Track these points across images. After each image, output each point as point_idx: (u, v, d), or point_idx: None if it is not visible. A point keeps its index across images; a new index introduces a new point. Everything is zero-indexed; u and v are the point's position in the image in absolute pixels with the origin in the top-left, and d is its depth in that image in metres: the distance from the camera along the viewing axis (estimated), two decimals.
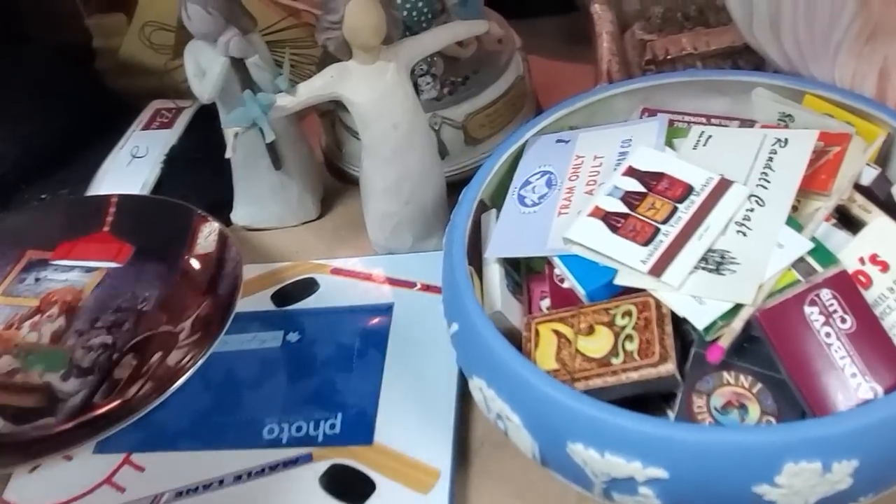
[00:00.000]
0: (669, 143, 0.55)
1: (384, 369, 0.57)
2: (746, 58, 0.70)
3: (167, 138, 0.72)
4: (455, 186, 0.66)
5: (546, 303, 0.52)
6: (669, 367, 0.44)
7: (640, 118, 0.59)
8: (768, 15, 0.62)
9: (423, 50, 0.58)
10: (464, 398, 0.56)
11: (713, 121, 0.58)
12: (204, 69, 0.61)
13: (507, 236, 0.53)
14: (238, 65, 0.60)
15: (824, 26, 0.61)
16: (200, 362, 0.54)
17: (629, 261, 0.47)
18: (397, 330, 0.59)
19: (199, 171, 0.68)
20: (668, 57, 0.71)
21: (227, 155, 0.58)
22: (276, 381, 0.59)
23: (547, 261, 0.52)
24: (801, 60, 0.62)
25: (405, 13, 0.63)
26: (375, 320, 0.61)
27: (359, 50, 0.55)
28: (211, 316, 0.58)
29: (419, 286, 0.62)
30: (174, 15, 0.76)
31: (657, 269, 0.47)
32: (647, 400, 0.46)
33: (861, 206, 0.49)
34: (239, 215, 0.70)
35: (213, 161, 0.65)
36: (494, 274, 0.52)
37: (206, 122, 0.72)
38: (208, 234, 0.62)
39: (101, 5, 0.85)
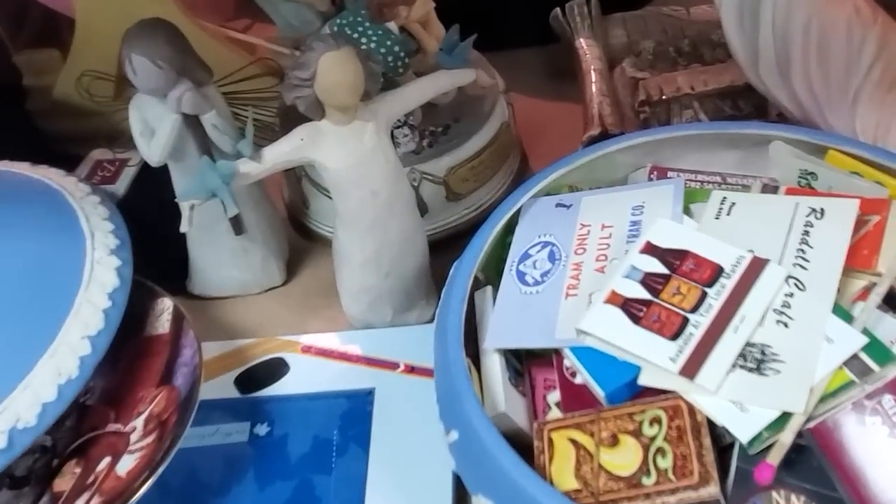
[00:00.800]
0: (686, 210, 0.49)
1: (368, 468, 0.50)
2: (748, 98, 0.65)
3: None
4: (435, 246, 0.59)
5: (554, 396, 0.46)
6: (712, 491, 0.38)
7: (649, 178, 0.53)
8: (776, 58, 0.57)
9: (404, 106, 0.52)
10: (463, 502, 0.49)
11: (729, 179, 0.52)
12: (152, 128, 0.53)
13: (508, 323, 0.47)
14: (192, 122, 0.53)
15: (840, 71, 0.56)
16: (157, 474, 0.47)
17: (656, 358, 0.41)
18: (381, 420, 0.53)
19: (149, 234, 0.60)
20: (663, 97, 0.65)
21: (183, 229, 0.51)
22: (244, 483, 0.51)
23: (555, 349, 0.46)
24: (815, 108, 0.57)
25: (380, 57, 0.56)
26: (355, 409, 0.54)
27: (333, 109, 0.48)
28: (166, 412, 0.50)
29: (402, 367, 0.55)
30: (113, 62, 0.68)
31: (690, 370, 0.41)
32: None
33: None
34: (195, 284, 0.63)
35: (164, 221, 0.58)
36: (495, 366, 0.46)
37: (154, 176, 0.65)
38: (161, 313, 0.55)
39: (31, 40, 0.76)
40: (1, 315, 0.49)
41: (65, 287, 0.50)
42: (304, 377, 0.56)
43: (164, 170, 0.59)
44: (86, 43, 0.72)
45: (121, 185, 0.65)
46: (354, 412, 0.54)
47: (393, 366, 0.56)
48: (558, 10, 0.74)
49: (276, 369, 0.57)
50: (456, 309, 0.47)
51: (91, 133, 0.73)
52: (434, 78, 0.53)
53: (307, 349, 0.57)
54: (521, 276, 0.49)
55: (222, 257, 0.61)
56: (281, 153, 0.49)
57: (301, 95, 0.48)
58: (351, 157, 0.49)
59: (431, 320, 0.58)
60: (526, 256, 0.49)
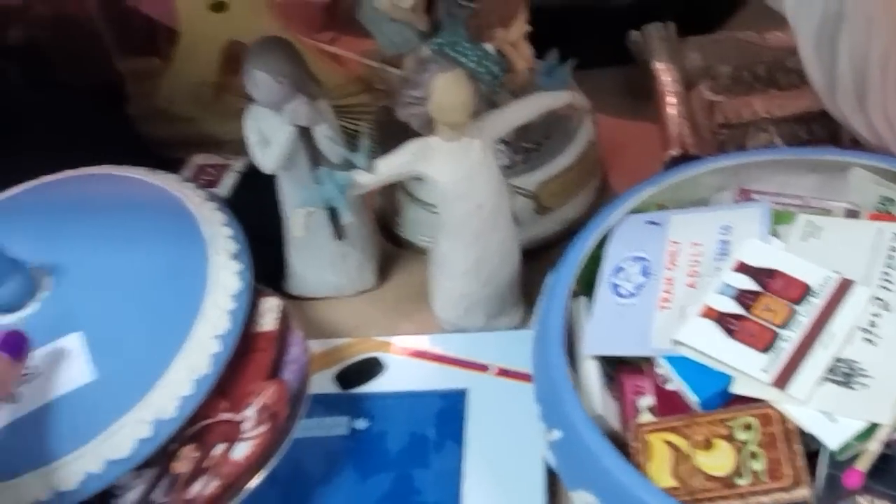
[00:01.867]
0: (772, 231, 0.52)
1: (463, 463, 0.54)
2: (822, 123, 0.67)
3: None
4: (523, 256, 0.62)
5: (644, 401, 0.49)
6: (804, 493, 0.41)
7: (736, 200, 0.56)
8: (854, 86, 0.59)
9: (507, 124, 0.55)
10: (554, 497, 0.52)
11: (811, 203, 0.55)
12: (267, 138, 0.57)
13: (605, 331, 0.50)
14: (304, 133, 0.57)
15: None
16: (274, 461, 0.51)
17: (749, 369, 0.44)
18: (473, 419, 0.56)
19: (251, 237, 0.64)
20: (740, 121, 0.68)
21: (296, 233, 0.54)
22: (345, 474, 0.55)
23: (646, 357, 0.49)
24: (892, 137, 0.60)
25: (478, 77, 0.59)
26: (449, 408, 0.57)
27: (444, 126, 0.52)
28: (277, 405, 0.54)
29: (494, 370, 0.58)
30: (212, 72, 0.72)
31: (781, 381, 0.44)
32: None
33: None
34: (293, 285, 0.66)
35: (264, 225, 0.62)
36: (592, 372, 0.49)
37: (255, 181, 0.68)
38: (268, 311, 0.58)
39: (133, 48, 0.81)
40: (137, 317, 0.53)
41: (191, 290, 0.54)
42: (399, 376, 0.59)
43: (263, 176, 0.63)
44: (188, 53, 0.76)
45: (222, 189, 0.69)
46: (448, 411, 0.57)
47: (483, 368, 0.59)
48: (636, 32, 0.77)
49: (372, 368, 0.60)
50: (557, 317, 0.50)
51: (189, 138, 0.78)
52: (536, 99, 0.56)
53: (401, 350, 0.61)
54: (615, 288, 0.52)
55: (321, 261, 0.64)
56: (394, 166, 0.53)
57: (415, 113, 0.51)
58: (459, 171, 0.52)
59: (519, 326, 0.62)
60: (619, 270, 0.53)
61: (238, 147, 0.73)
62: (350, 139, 0.57)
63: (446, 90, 0.50)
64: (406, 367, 0.60)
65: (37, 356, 0.53)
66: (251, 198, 0.68)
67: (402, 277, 0.68)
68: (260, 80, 0.54)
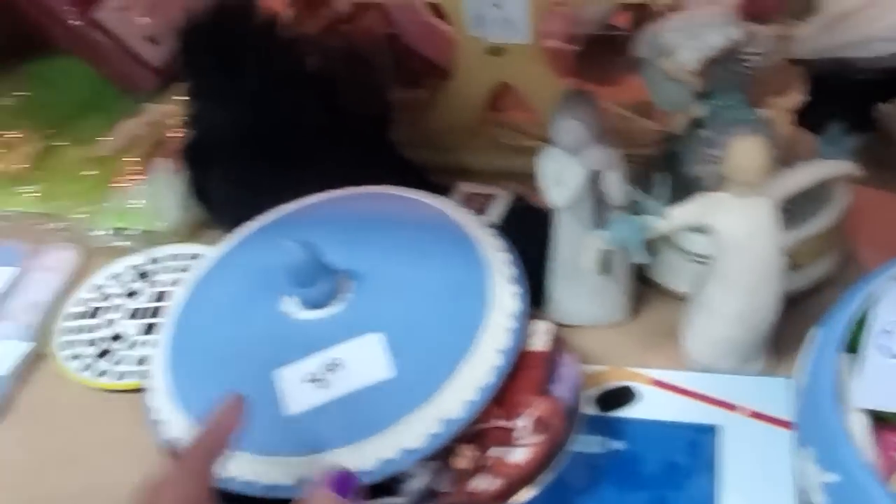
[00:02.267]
0: None
1: (717, 494, 0.58)
2: None
3: None
4: None
5: None
6: None
7: None
8: None
9: (793, 187, 0.59)
10: None
11: None
12: (560, 178, 0.63)
13: (875, 387, 0.54)
14: (592, 176, 0.63)
15: None
16: (552, 472, 0.57)
17: None
18: (727, 454, 0.60)
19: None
20: None
21: (587, 268, 0.60)
22: (605, 489, 0.60)
23: None
24: None
25: None
26: (700, 440, 0.62)
27: (737, 185, 0.57)
28: (552, 418, 0.59)
29: (745, 411, 0.63)
30: (477, 111, 0.79)
31: None
32: None
33: None
34: (554, 310, 0.72)
35: (528, 253, 0.67)
36: (860, 423, 0.53)
37: (520, 212, 0.75)
38: (538, 333, 0.64)
39: (405, 81, 0.89)
40: (428, 325, 0.60)
41: (475, 307, 0.61)
42: (652, 406, 0.64)
43: (527, 207, 0.69)
44: (460, 90, 0.83)
45: (490, 217, 0.76)
46: (700, 443, 0.61)
47: (731, 407, 0.63)
48: (885, 105, 0.80)
49: (626, 395, 0.65)
50: (828, 370, 0.54)
51: (448, 167, 0.85)
52: (819, 166, 0.60)
53: (653, 382, 0.66)
54: (884, 348, 0.55)
55: (582, 292, 0.70)
56: (686, 215, 0.58)
57: (711, 170, 0.57)
58: (747, 226, 0.57)
59: (763, 372, 0.66)
60: (886, 333, 0.56)
61: (493, 177, 0.80)
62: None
63: (745, 153, 0.55)
64: (658, 397, 0.65)
65: (342, 349, 0.61)
66: (517, 227, 0.74)
67: (648, 314, 0.73)
68: (566, 125, 0.60)
